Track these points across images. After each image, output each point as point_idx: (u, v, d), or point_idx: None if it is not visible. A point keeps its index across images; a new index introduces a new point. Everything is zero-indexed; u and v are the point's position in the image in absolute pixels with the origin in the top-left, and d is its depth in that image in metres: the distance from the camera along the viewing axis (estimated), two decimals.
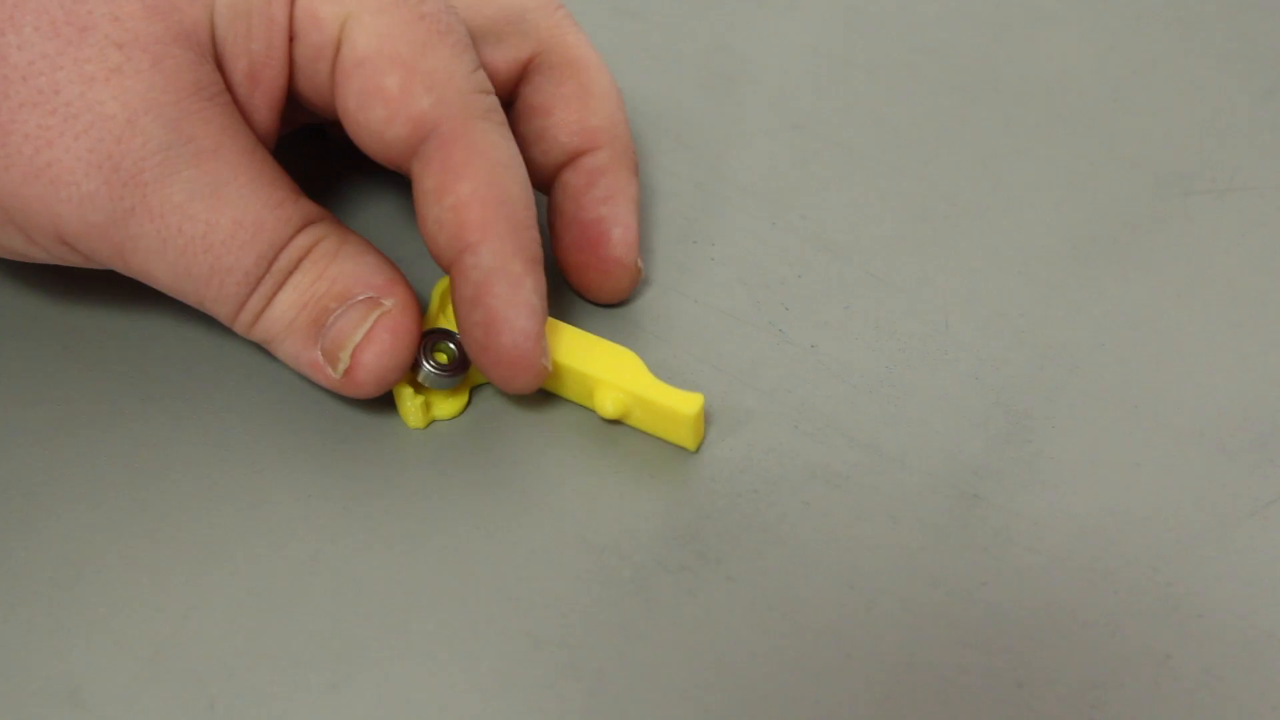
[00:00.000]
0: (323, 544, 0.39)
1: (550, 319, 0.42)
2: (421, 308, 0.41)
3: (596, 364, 0.41)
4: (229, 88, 0.39)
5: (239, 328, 0.40)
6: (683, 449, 0.41)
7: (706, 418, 0.42)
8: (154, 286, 0.39)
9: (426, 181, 0.39)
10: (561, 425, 0.42)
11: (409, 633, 0.38)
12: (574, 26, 0.44)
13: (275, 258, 0.39)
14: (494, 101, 0.40)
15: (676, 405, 0.40)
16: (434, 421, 0.42)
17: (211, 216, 0.38)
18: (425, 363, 0.41)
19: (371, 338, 0.39)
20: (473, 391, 0.43)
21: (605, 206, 0.43)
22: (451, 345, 0.41)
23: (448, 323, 0.42)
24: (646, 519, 0.40)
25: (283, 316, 0.39)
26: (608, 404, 0.41)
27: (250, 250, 0.38)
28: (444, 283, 0.43)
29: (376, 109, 0.39)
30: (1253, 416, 0.42)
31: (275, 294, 0.39)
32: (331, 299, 0.39)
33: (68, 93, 0.37)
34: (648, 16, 0.53)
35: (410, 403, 0.41)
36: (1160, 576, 0.39)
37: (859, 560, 0.39)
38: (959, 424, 0.42)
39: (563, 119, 0.43)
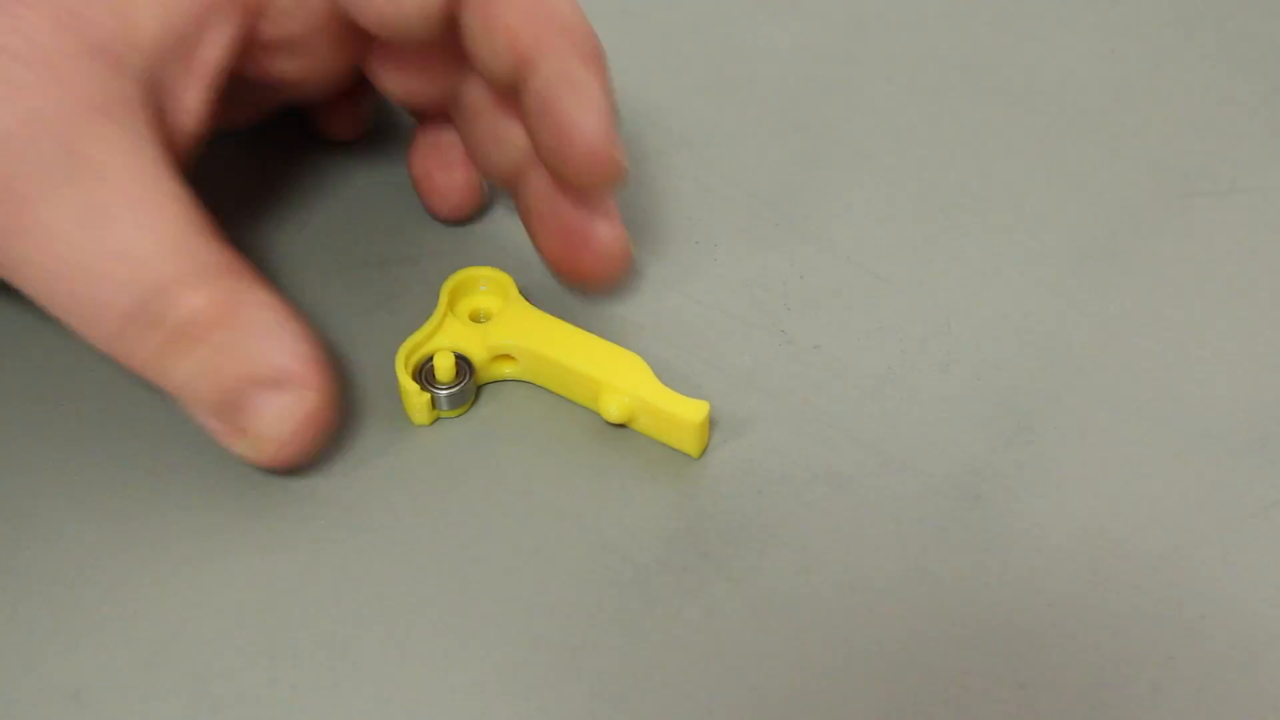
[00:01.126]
0: (325, 543, 0.39)
1: (554, 319, 0.42)
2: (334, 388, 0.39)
3: (602, 367, 0.41)
4: (164, 67, 0.37)
5: (132, 369, 0.37)
6: (687, 455, 0.41)
7: (710, 422, 0.42)
8: (34, 299, 0.37)
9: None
10: (566, 426, 0.42)
11: (410, 633, 0.38)
12: None
13: (161, 309, 0.35)
14: None
15: (682, 412, 0.40)
16: (439, 419, 0.42)
17: (91, 245, 0.35)
18: (433, 389, 0.41)
19: (294, 434, 0.37)
20: (479, 389, 0.43)
21: (560, 117, 0.39)
22: (450, 358, 0.41)
23: (455, 320, 0.42)
24: (648, 519, 0.40)
25: (186, 384, 0.37)
26: (613, 408, 0.41)
27: (127, 290, 0.35)
28: (454, 279, 0.43)
29: None
30: (1255, 417, 0.42)
31: (170, 353, 0.36)
32: (244, 380, 0.37)
33: None
34: (652, 18, 0.53)
35: (416, 399, 0.41)
36: (1162, 577, 0.39)
37: (862, 561, 0.39)
38: (961, 425, 0.42)
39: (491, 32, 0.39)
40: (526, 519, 0.40)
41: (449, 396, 0.41)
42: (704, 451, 0.41)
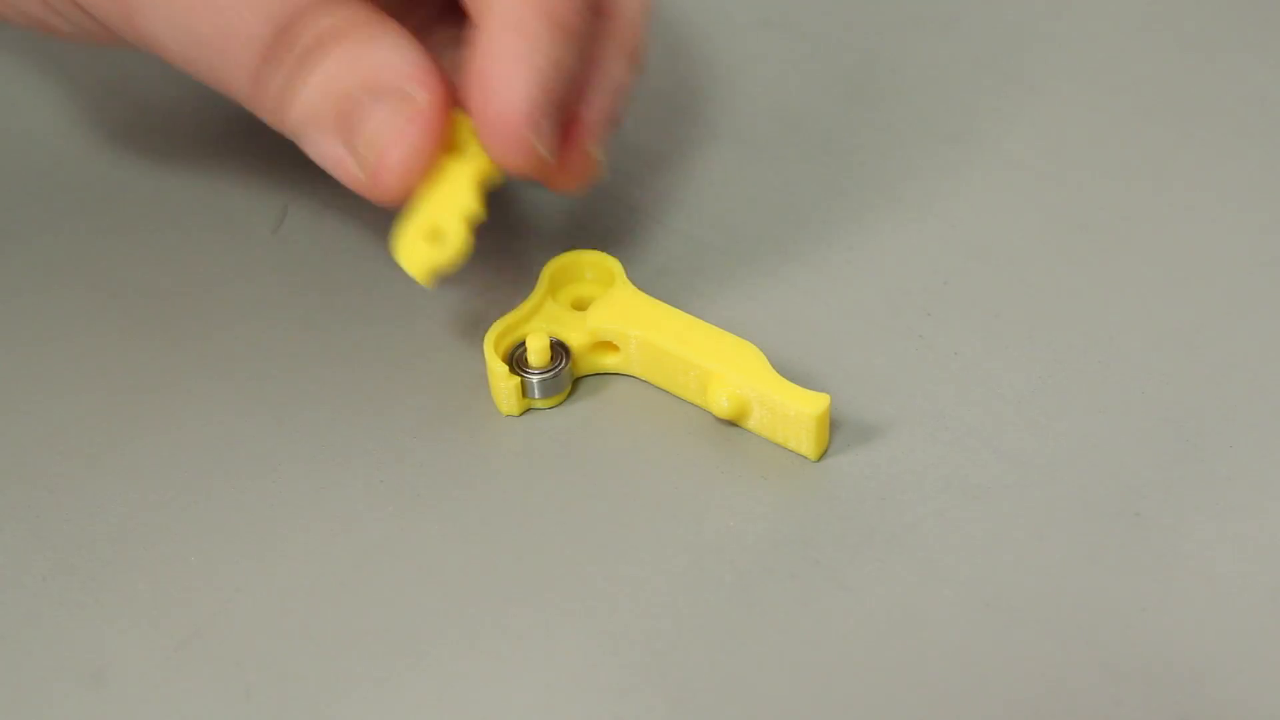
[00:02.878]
0: (390, 531, 0.36)
1: (663, 305, 0.38)
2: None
3: (714, 355, 0.37)
4: None
5: (264, 112, 0.36)
6: (803, 457, 0.37)
7: (833, 424, 0.37)
8: (168, 60, 0.36)
9: None
10: (671, 422, 0.38)
11: (471, 628, 0.34)
12: None
13: (290, 27, 0.35)
14: None
15: (799, 404, 0.36)
16: (530, 410, 0.38)
17: None
18: (525, 373, 0.37)
19: (398, 131, 0.35)
20: (576, 381, 0.38)
21: (490, 61, 0.35)
22: (545, 340, 0.37)
23: (554, 305, 0.38)
24: (755, 522, 0.35)
25: (307, 104, 0.35)
26: (722, 399, 0.37)
27: (259, 10, 0.34)
28: (555, 262, 0.39)
29: None
30: None
31: (298, 76, 0.35)
32: (361, 89, 0.35)
33: None
34: (801, 30, 0.49)
35: (504, 384, 0.37)
36: None
37: (998, 577, 0.34)
38: (1121, 439, 0.37)
39: None
40: (617, 514, 0.36)
41: (541, 383, 0.37)
42: (823, 455, 0.36)
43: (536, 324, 0.38)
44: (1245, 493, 0.36)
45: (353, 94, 0.35)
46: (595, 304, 0.38)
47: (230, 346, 0.39)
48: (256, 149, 0.44)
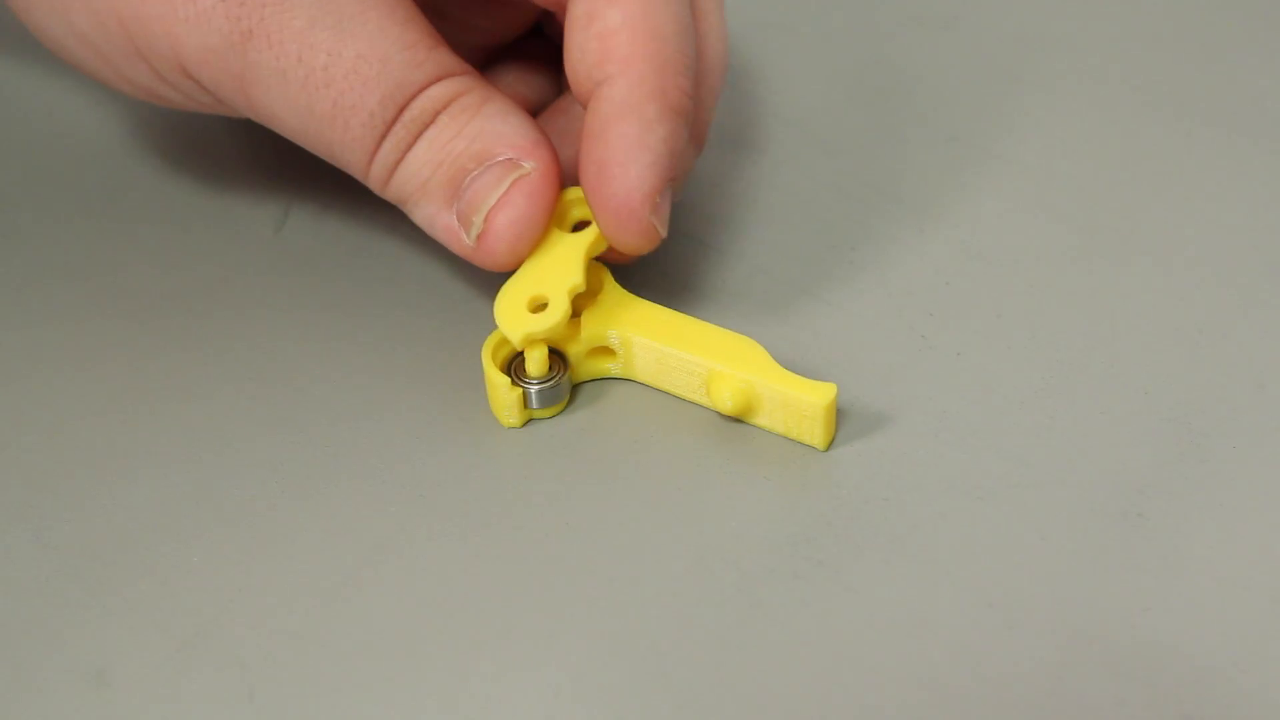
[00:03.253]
0: (392, 534, 0.35)
1: (657, 306, 0.38)
2: (562, 178, 0.37)
3: (714, 352, 0.37)
4: None
5: (374, 183, 0.37)
6: (807, 452, 0.37)
7: (837, 419, 0.37)
8: (281, 132, 0.37)
9: (577, 7, 0.36)
10: (672, 424, 0.38)
11: (475, 631, 0.34)
12: None
13: (406, 104, 0.36)
14: None
15: (806, 394, 0.36)
16: (531, 420, 0.38)
17: (334, 46, 0.35)
18: (524, 384, 0.37)
19: (507, 201, 0.36)
20: (575, 389, 0.38)
21: (608, 147, 0.36)
22: (543, 350, 0.37)
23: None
24: (758, 522, 0.35)
25: (418, 174, 0.36)
26: (726, 396, 0.36)
27: (375, 88, 0.35)
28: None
29: None
30: None
31: (409, 147, 0.36)
32: (470, 158, 0.36)
33: None
34: (801, 30, 0.49)
35: (505, 395, 0.37)
36: None
37: (1002, 578, 0.34)
38: (1124, 440, 0.37)
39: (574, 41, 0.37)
40: (620, 517, 0.36)
41: (540, 393, 0.37)
42: (830, 445, 0.36)
43: None
44: (1248, 493, 0.36)
45: (463, 164, 0.36)
46: (588, 310, 0.38)
47: (232, 347, 0.39)
48: (259, 150, 0.44)
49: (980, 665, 0.33)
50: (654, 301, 0.39)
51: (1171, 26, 0.49)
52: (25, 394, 0.38)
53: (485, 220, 0.36)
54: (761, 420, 0.37)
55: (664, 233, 0.36)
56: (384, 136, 0.36)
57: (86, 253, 0.42)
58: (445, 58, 0.36)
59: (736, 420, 0.37)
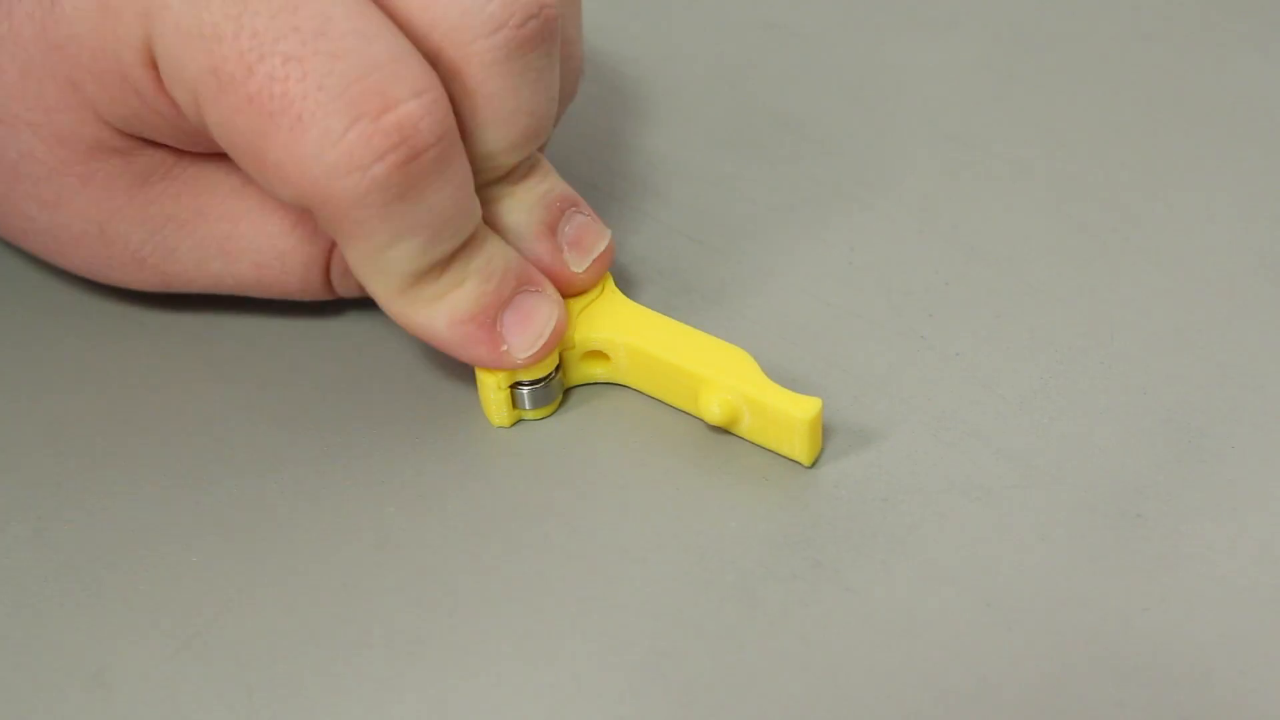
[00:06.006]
0: (388, 535, 0.35)
1: (652, 312, 0.38)
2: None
3: (704, 361, 0.37)
4: None
5: (404, 319, 0.36)
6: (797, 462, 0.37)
7: (829, 429, 0.37)
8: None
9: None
10: (663, 430, 0.37)
11: (472, 631, 0.34)
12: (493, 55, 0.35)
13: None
14: None
15: (789, 408, 0.36)
16: (521, 421, 0.38)
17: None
18: (515, 384, 0.37)
19: (548, 319, 0.37)
20: (566, 391, 0.38)
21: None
22: None
23: None
24: (756, 523, 0.35)
25: (462, 310, 0.36)
26: (714, 405, 0.36)
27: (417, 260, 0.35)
28: None
29: None
30: None
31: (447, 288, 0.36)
32: (512, 290, 0.37)
33: None
34: (801, 30, 0.49)
35: (496, 395, 0.37)
36: None
37: (1000, 578, 0.34)
38: (1123, 440, 0.37)
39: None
40: (613, 518, 0.36)
41: (532, 393, 0.37)
42: (816, 460, 0.36)
43: None
44: (1248, 493, 0.36)
45: (505, 294, 0.36)
46: (583, 313, 0.38)
47: (229, 348, 0.39)
48: None
49: (980, 665, 0.33)
50: (654, 302, 0.39)
51: (1171, 26, 0.49)
52: (22, 393, 0.38)
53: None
54: (746, 431, 0.37)
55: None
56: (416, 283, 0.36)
57: None
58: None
59: (724, 431, 0.37)
